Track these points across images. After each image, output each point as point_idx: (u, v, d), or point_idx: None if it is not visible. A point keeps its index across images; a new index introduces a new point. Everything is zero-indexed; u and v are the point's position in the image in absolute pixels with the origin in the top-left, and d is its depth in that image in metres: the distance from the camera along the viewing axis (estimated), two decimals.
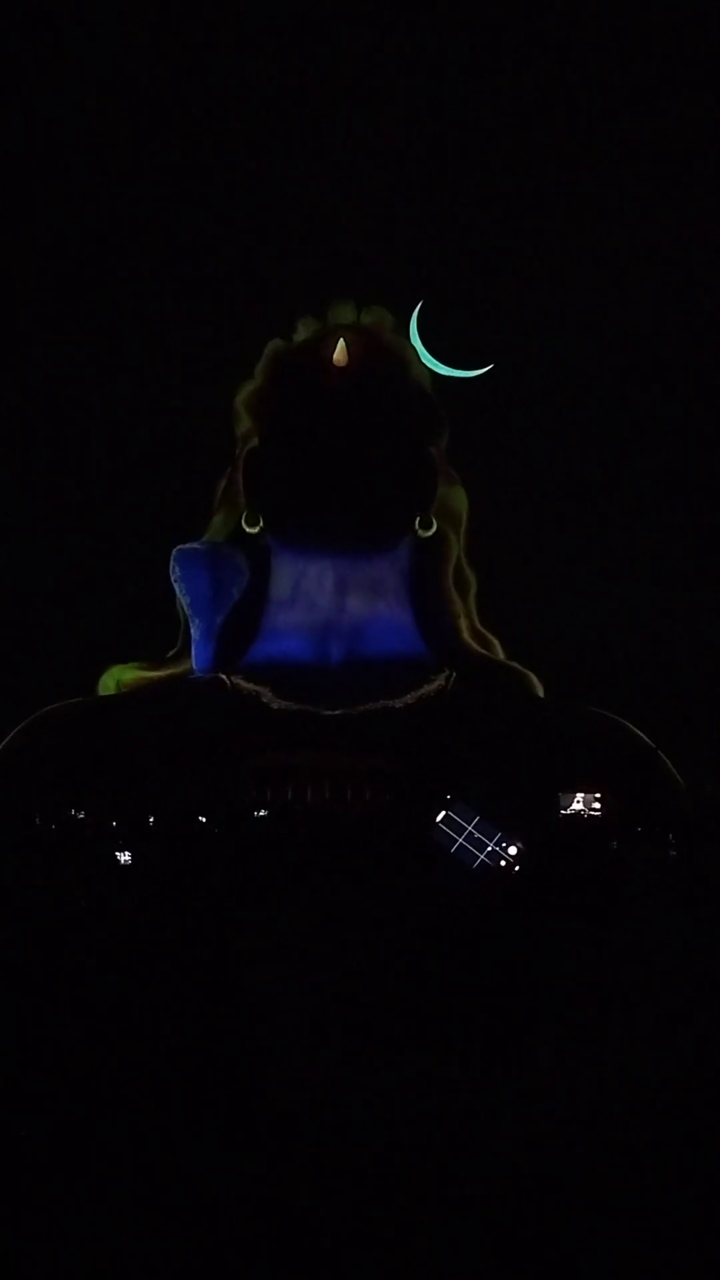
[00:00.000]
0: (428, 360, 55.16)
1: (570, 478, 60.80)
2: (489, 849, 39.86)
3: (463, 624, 53.59)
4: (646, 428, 61.27)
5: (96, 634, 54.52)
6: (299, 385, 52.77)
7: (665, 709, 48.04)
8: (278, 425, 52.89)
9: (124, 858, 20.49)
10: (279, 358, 54.39)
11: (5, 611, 56.20)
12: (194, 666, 51.56)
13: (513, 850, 40.92)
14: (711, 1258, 5.94)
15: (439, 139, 61.92)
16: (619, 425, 62.28)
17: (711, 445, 60.25)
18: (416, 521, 53.10)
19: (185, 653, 52.27)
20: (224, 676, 50.11)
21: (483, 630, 54.07)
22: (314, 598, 52.67)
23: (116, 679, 52.01)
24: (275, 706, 48.35)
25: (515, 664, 52.57)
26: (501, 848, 40.41)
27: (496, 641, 53.92)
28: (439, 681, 49.83)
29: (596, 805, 40.90)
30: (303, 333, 54.70)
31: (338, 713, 47.56)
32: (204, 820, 29.53)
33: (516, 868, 38.84)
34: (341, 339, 52.75)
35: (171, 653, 53.10)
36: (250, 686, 49.25)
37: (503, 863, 39.81)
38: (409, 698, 48.80)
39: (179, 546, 52.11)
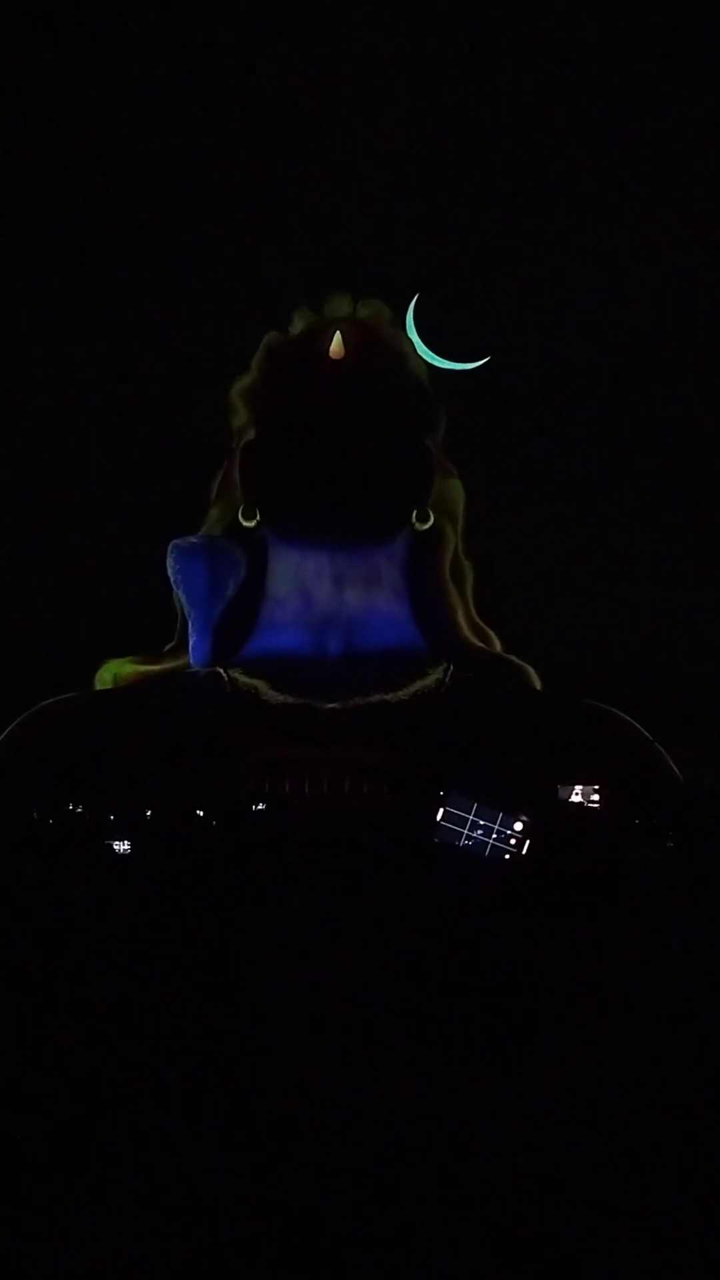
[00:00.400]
0: (424, 353, 55.06)
1: (567, 470, 60.78)
2: (495, 832, 39.98)
3: (460, 617, 53.55)
4: (643, 420, 61.24)
5: (93, 628, 54.50)
6: (295, 378, 52.64)
7: (663, 702, 48.04)
8: (274, 418, 52.77)
9: (122, 846, 20.47)
10: (275, 350, 54.26)
11: (2, 606, 56.14)
12: (191, 660, 51.49)
13: (518, 826, 41.06)
14: (712, 1257, 5.91)
15: (435, 132, 61.82)
16: (616, 418, 62.26)
17: (709, 439, 60.23)
18: (413, 514, 53.03)
19: (182, 647, 52.20)
20: (221, 670, 50.06)
21: (480, 623, 54.04)
22: (311, 591, 52.58)
23: (113, 673, 51.94)
24: (273, 700, 48.33)
25: (513, 657, 52.55)
26: (508, 828, 40.53)
27: (494, 634, 53.89)
28: (436, 675, 49.80)
29: (595, 798, 40.92)
30: (299, 325, 54.55)
31: (335, 706, 47.55)
32: (202, 814, 29.52)
33: (527, 841, 38.90)
34: (338, 331, 52.61)
35: (168, 647, 53.04)
36: (247, 680, 49.21)
37: (513, 841, 39.90)
38: (406, 691, 48.76)
39: (175, 540, 52.03)
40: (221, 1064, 7.22)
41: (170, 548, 51.71)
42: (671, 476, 60.79)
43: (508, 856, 38.36)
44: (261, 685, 48.82)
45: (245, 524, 52.92)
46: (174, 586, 51.86)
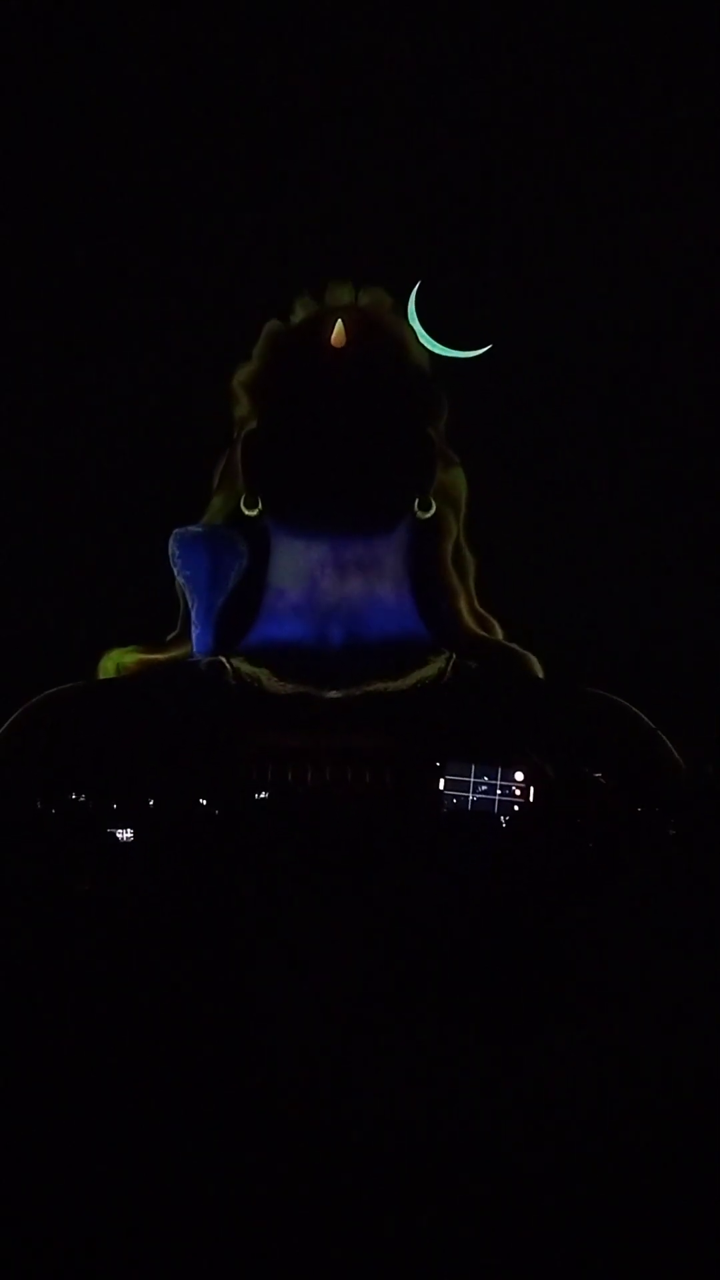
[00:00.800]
0: (426, 341, 55.00)
1: (570, 459, 60.69)
2: (499, 787, 40.35)
3: (462, 605, 53.57)
4: (647, 408, 61.13)
5: (96, 617, 54.50)
6: (297, 366, 52.62)
7: (666, 690, 48.06)
8: (276, 407, 52.76)
9: (124, 835, 20.51)
10: (276, 339, 54.22)
11: (4, 595, 56.14)
12: (193, 649, 51.56)
13: (519, 776, 41.43)
14: (712, 1257, 5.92)
15: (437, 120, 61.61)
16: (619, 406, 62.14)
17: (713, 428, 60.13)
18: (415, 503, 53.00)
19: (185, 636, 52.27)
20: (224, 659, 50.12)
21: (482, 612, 54.06)
22: (313, 580, 52.60)
23: (116, 662, 52.02)
24: (275, 689, 48.40)
25: (515, 645, 52.59)
26: (509, 780, 40.89)
27: (496, 623, 53.91)
28: (439, 663, 49.86)
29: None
30: (300, 314, 54.51)
31: (338, 695, 47.64)
32: (204, 803, 29.54)
33: (533, 789, 39.20)
34: (339, 320, 52.58)
35: (171, 636, 53.10)
36: (250, 669, 49.28)
37: (517, 792, 40.22)
38: (408, 680, 48.84)
39: (177, 529, 52.06)
40: (224, 1053, 7.24)
41: (172, 537, 51.76)
42: (675, 465, 60.72)
43: (516, 808, 38.61)
44: (264, 674, 48.91)
45: (247, 513, 52.93)
46: (176, 575, 51.90)
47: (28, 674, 48.93)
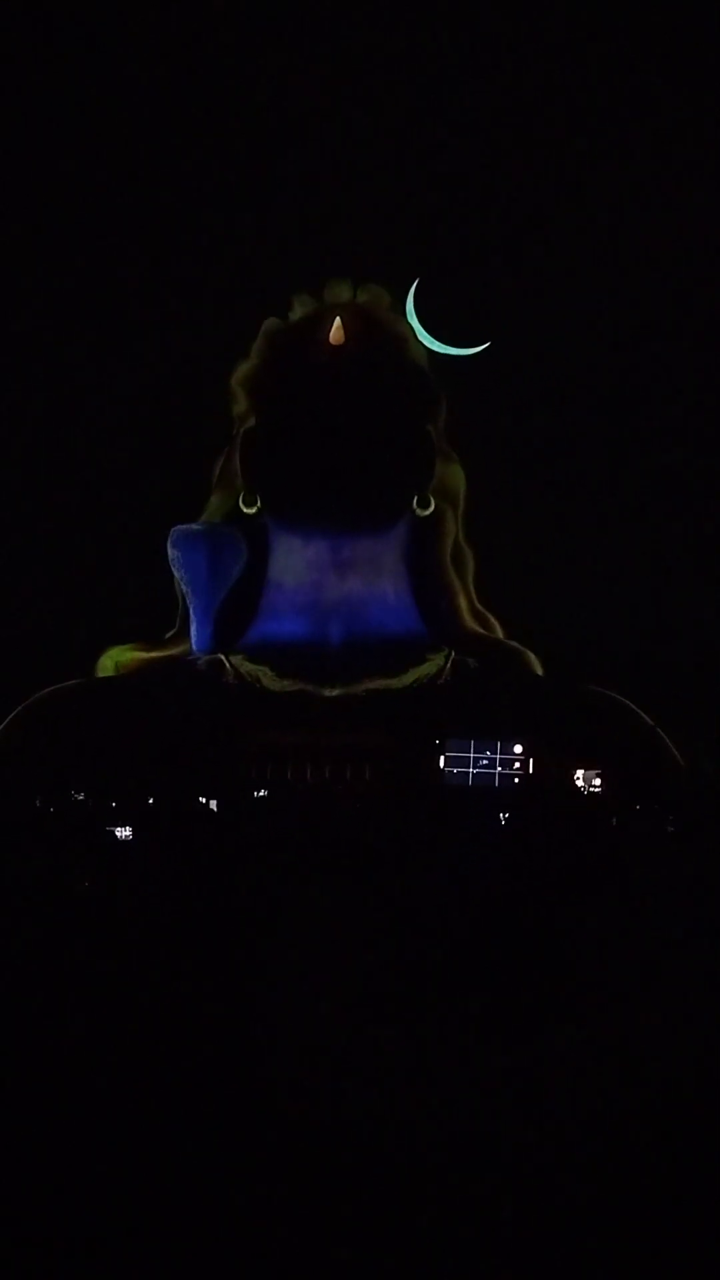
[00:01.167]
0: (424, 338, 54.94)
1: (568, 456, 60.69)
2: (499, 761, 40.62)
3: (461, 603, 53.50)
4: (646, 406, 61.13)
5: (95, 615, 54.49)
6: (295, 364, 52.53)
7: (665, 687, 48.05)
8: (274, 405, 52.66)
9: (124, 833, 20.52)
10: (275, 336, 54.13)
11: (4, 594, 56.13)
12: (193, 647, 51.51)
13: (518, 749, 41.64)
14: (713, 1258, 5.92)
15: (435, 117, 61.59)
16: (618, 403, 62.14)
17: (711, 423, 60.12)
18: (414, 500, 52.93)
19: (184, 633, 52.22)
20: (223, 657, 50.08)
21: (481, 609, 54.00)
22: (312, 577, 52.51)
23: (115, 660, 51.95)
24: (275, 687, 48.38)
25: (514, 643, 52.53)
26: (509, 753, 41.13)
27: (495, 620, 53.87)
28: (438, 660, 49.81)
29: (597, 783, 41.04)
30: (299, 311, 54.42)
31: (337, 692, 47.62)
32: (204, 801, 29.55)
33: (531, 760, 39.40)
34: (338, 317, 52.48)
35: (170, 634, 53.03)
36: (249, 667, 49.25)
37: (517, 765, 40.45)
38: (408, 677, 48.79)
39: (176, 527, 52.01)
40: (225, 1050, 7.24)
41: (171, 534, 51.70)
42: (673, 462, 60.71)
43: (517, 780, 38.80)
44: (263, 672, 48.87)
45: (246, 511, 52.87)
46: (175, 573, 51.86)
47: (27, 672, 48.91)
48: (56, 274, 61.33)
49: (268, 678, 48.68)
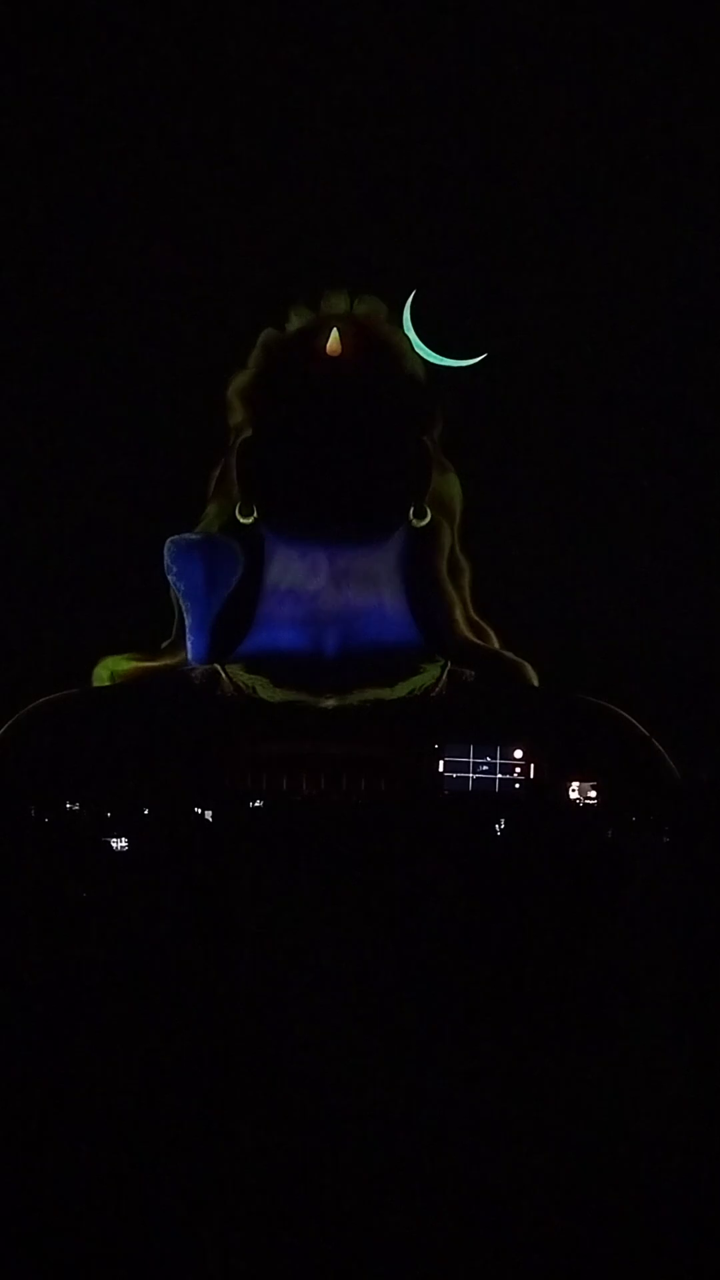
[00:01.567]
0: (421, 350, 55.05)
1: (564, 466, 60.79)
2: (498, 766, 40.59)
3: (457, 613, 53.52)
4: (641, 415, 61.24)
5: (91, 625, 54.46)
6: (292, 375, 52.58)
7: (660, 698, 48.08)
8: (271, 415, 52.70)
9: (119, 843, 20.47)
10: (272, 347, 54.21)
11: (0, 603, 56.13)
12: (189, 657, 51.51)
13: (518, 754, 41.59)
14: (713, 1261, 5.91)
15: (433, 129, 61.77)
16: (613, 413, 62.25)
17: (707, 433, 60.24)
18: (411, 511, 52.97)
19: (180, 643, 52.20)
20: (219, 667, 50.07)
21: (477, 619, 54.03)
22: (308, 588, 52.53)
23: (111, 670, 51.91)
24: (270, 697, 48.37)
25: (510, 653, 52.55)
26: (509, 758, 41.11)
27: (491, 631, 53.89)
28: (434, 671, 49.83)
29: (592, 794, 41.02)
30: (296, 322, 54.49)
31: (333, 703, 47.62)
32: (199, 811, 29.48)
33: (532, 766, 39.35)
34: (335, 328, 52.55)
35: (166, 643, 53.01)
36: (245, 676, 49.24)
37: (517, 770, 40.41)
38: (403, 687, 48.79)
39: (173, 537, 52.02)
40: (224, 1059, 7.23)
41: (168, 544, 51.70)
42: (669, 473, 60.83)
43: (517, 786, 38.69)
44: (259, 682, 48.86)
45: (243, 521, 52.89)
46: (171, 583, 51.84)
47: (22, 681, 48.88)
48: (56, 283, 61.39)
49: (264, 688, 48.68)
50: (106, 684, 51.45)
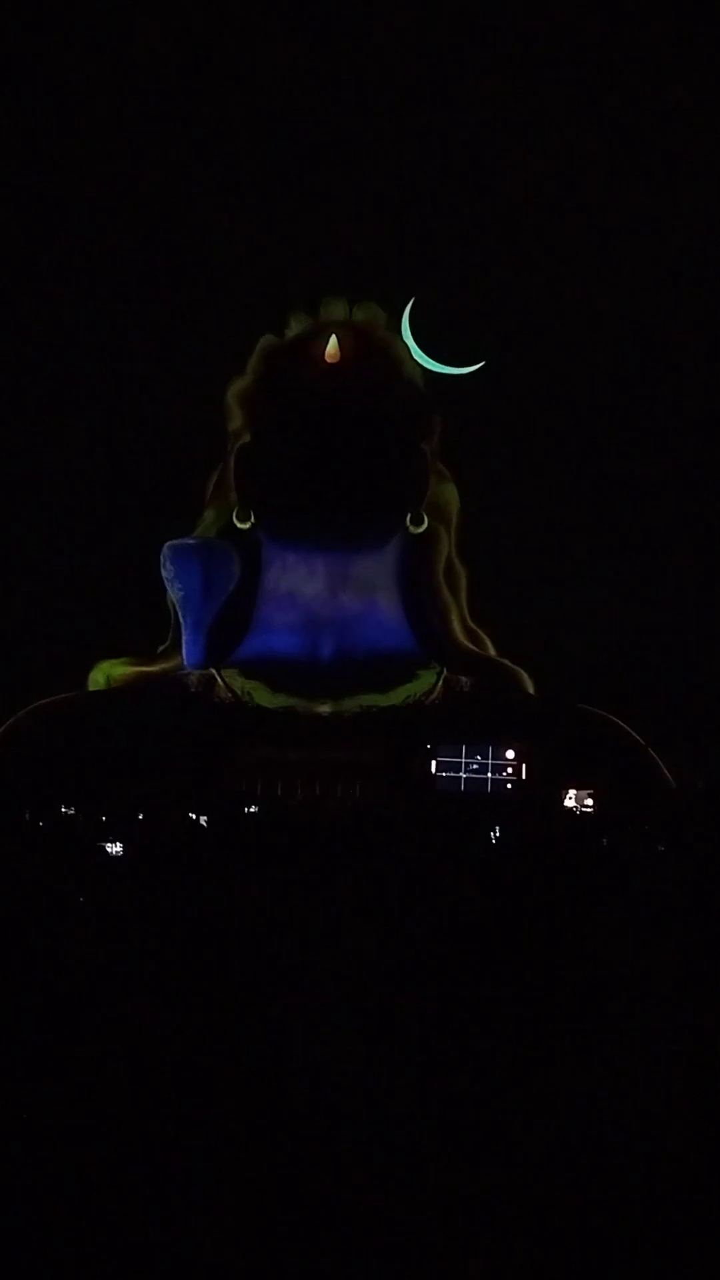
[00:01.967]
0: (419, 357, 55.13)
1: (563, 475, 60.84)
2: (490, 766, 40.57)
3: (454, 620, 53.59)
4: (640, 424, 61.31)
5: (87, 629, 54.43)
6: (290, 381, 52.67)
7: (657, 707, 48.11)
8: (269, 421, 52.77)
9: (114, 848, 20.47)
10: (271, 353, 54.28)
11: None
12: (184, 662, 51.51)
13: (510, 754, 41.55)
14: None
15: (433, 135, 61.84)
16: (612, 422, 62.31)
17: (707, 443, 60.30)
18: (408, 518, 53.02)
19: (176, 648, 52.20)
20: (215, 672, 50.11)
21: (474, 627, 54.09)
22: (304, 594, 52.58)
23: (107, 674, 51.92)
24: (267, 702, 48.41)
25: (506, 661, 52.60)
26: (501, 758, 41.09)
27: (487, 638, 53.95)
28: (429, 677, 49.90)
29: (589, 802, 41.04)
30: (294, 328, 54.60)
31: (328, 708, 47.68)
32: (195, 816, 29.48)
33: (524, 766, 39.34)
34: (334, 335, 52.64)
35: (162, 648, 53.03)
36: (241, 681, 49.30)
37: (509, 770, 40.39)
38: (399, 693, 48.87)
39: (170, 541, 52.03)
40: (221, 1070, 7.22)
41: (165, 549, 51.71)
42: (667, 482, 60.89)
43: (510, 786, 38.67)
44: (255, 687, 48.92)
45: (240, 526, 52.91)
46: (168, 587, 51.84)
47: (17, 685, 48.86)
48: (53, 289, 61.42)
49: (260, 693, 48.72)
50: (102, 688, 51.46)
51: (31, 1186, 6.11)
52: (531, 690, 51.67)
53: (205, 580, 51.10)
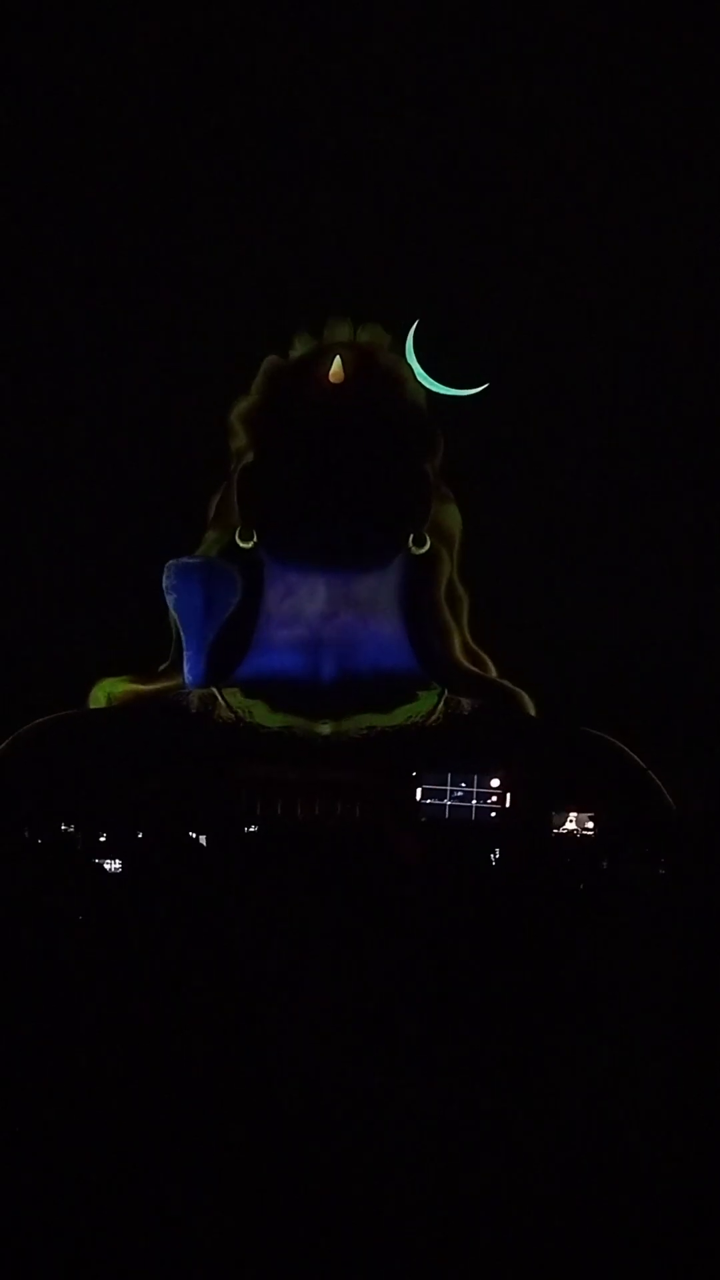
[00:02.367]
0: (423, 378, 55.27)
1: (566, 496, 60.94)
2: (475, 795, 40.51)
3: (455, 642, 53.57)
4: (644, 447, 61.43)
5: (88, 647, 54.44)
6: (294, 401, 52.78)
7: (658, 730, 48.08)
8: (272, 441, 52.85)
9: (113, 866, 20.45)
10: (275, 374, 54.42)
11: None
12: (185, 680, 51.47)
13: (495, 782, 41.48)
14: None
15: (439, 159, 62.15)
16: (615, 445, 62.45)
17: (710, 468, 60.41)
18: (410, 539, 53.04)
19: (177, 666, 52.17)
20: (215, 691, 50.07)
21: (475, 648, 54.08)
22: (306, 613, 52.55)
23: (108, 692, 51.91)
24: (268, 722, 48.38)
25: (507, 683, 52.56)
26: (485, 786, 41.01)
27: (489, 660, 53.93)
28: (431, 698, 49.87)
29: (590, 825, 40.99)
30: (299, 349, 54.75)
31: (329, 728, 47.64)
32: (194, 835, 29.46)
33: (509, 795, 39.27)
34: (338, 356, 52.77)
35: (163, 666, 53.01)
36: (241, 701, 49.27)
37: (494, 799, 40.33)
38: (399, 714, 48.84)
39: (173, 560, 52.06)
40: (220, 1085, 7.19)
41: (167, 567, 51.73)
42: (670, 505, 60.98)
43: (494, 815, 38.63)
44: (255, 706, 48.89)
45: (242, 545, 52.93)
46: (169, 606, 51.85)
47: (18, 703, 48.84)
48: (57, 307, 61.65)
49: (261, 713, 48.70)
50: (103, 706, 51.44)
51: (31, 1188, 6.09)
52: (533, 712, 51.64)
53: (207, 599, 51.07)
